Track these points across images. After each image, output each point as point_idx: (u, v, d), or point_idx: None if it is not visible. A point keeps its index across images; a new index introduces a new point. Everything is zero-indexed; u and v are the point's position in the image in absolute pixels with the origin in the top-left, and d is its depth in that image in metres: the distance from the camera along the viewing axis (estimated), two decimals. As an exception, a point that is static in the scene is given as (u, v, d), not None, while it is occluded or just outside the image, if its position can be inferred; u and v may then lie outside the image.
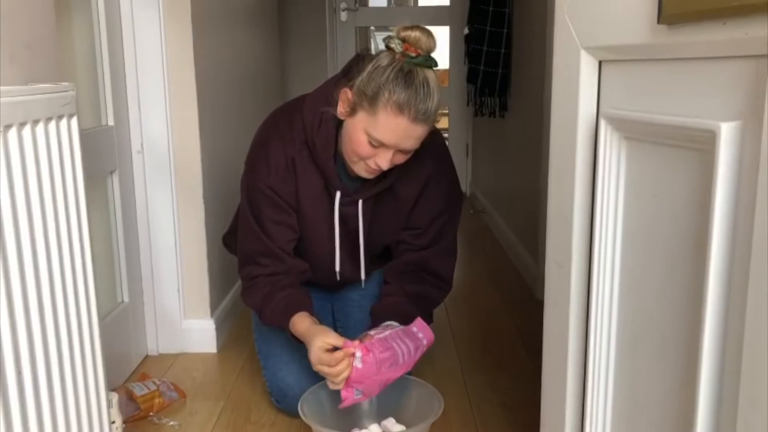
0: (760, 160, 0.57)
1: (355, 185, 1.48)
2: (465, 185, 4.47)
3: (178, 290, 1.96)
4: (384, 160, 1.32)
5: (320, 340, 1.32)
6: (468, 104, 3.49)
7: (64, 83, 1.07)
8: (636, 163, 0.78)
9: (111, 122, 1.74)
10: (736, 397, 0.60)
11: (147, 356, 1.97)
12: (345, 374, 1.30)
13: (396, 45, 1.27)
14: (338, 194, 1.46)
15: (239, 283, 2.33)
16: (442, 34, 4.55)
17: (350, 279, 1.62)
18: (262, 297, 1.49)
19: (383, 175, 1.42)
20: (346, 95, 1.33)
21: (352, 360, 1.30)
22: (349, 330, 1.62)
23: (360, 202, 1.48)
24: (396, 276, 1.58)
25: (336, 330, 1.63)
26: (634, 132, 0.77)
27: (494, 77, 3.11)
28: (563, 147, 0.90)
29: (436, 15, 4.53)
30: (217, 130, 2.10)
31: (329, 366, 1.30)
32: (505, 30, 3.04)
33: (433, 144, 1.44)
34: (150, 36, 1.81)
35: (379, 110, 1.27)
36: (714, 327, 0.64)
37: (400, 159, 1.35)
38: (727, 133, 0.61)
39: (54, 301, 1.00)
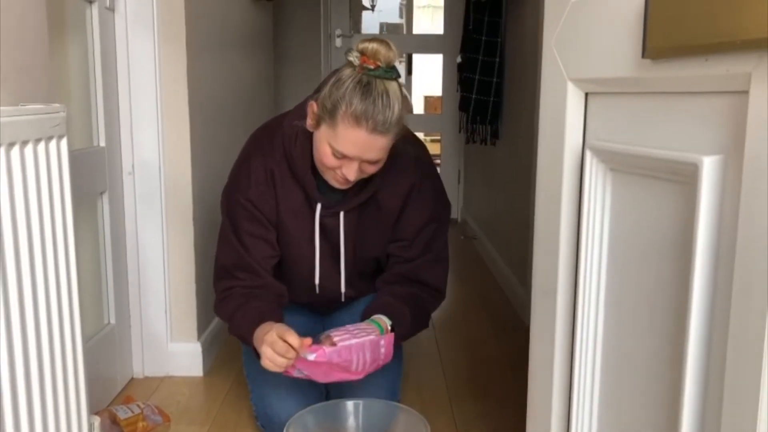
0: (741, 194, 0.57)
1: (337, 198, 1.47)
2: (456, 211, 4.48)
3: (166, 312, 1.95)
4: (350, 171, 1.32)
5: (283, 331, 1.30)
6: (460, 131, 3.52)
7: (54, 104, 1.07)
8: (621, 194, 0.79)
9: (102, 143, 1.75)
10: (719, 424, 0.60)
11: (132, 379, 1.95)
12: (284, 365, 1.29)
13: (354, 58, 1.28)
14: (319, 206, 1.46)
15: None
16: (435, 62, 4.60)
17: (332, 293, 1.59)
18: (235, 306, 1.46)
19: (363, 185, 1.43)
20: (312, 108, 1.35)
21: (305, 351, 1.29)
22: None
23: (341, 214, 1.47)
24: (387, 286, 1.56)
25: None
26: (619, 164, 0.78)
27: (486, 105, 3.14)
28: (550, 177, 0.91)
29: (430, 43, 4.58)
30: (209, 153, 2.10)
31: (278, 353, 1.28)
32: (497, 59, 3.07)
33: (415, 155, 1.47)
34: (144, 58, 1.82)
35: (338, 122, 1.28)
36: (697, 355, 0.64)
37: (371, 169, 1.35)
38: (709, 166, 0.62)
39: (37, 323, 0.99)
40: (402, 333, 1.49)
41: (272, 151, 1.45)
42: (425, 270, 1.55)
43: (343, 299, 1.61)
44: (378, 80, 1.27)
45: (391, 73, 1.28)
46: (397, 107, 1.27)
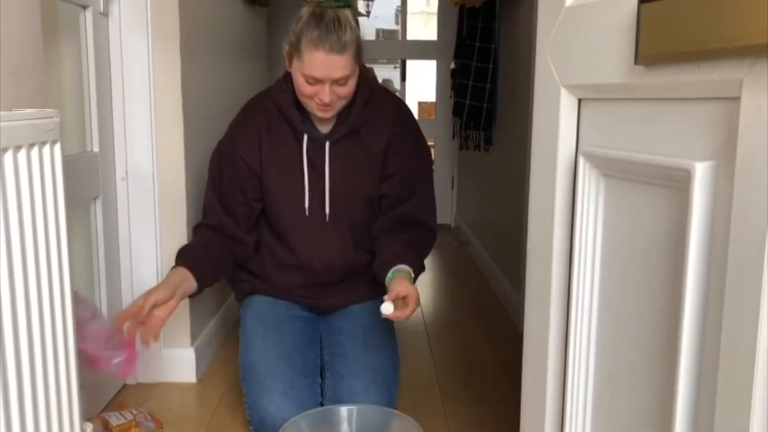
0: (733, 199, 0.58)
1: (323, 134, 1.63)
2: (450, 217, 4.49)
3: (159, 318, 1.94)
4: (324, 94, 1.50)
5: (154, 290, 1.46)
6: (453, 137, 3.52)
7: (48, 109, 1.07)
8: (614, 199, 0.79)
9: (96, 148, 1.74)
10: (712, 429, 0.60)
11: (125, 385, 1.94)
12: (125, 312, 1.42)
13: None
14: (305, 138, 1.61)
15: (221, 311, 2.32)
16: (429, 68, 4.61)
17: (320, 230, 1.66)
18: (189, 242, 1.69)
19: (344, 119, 1.61)
20: (285, 50, 1.56)
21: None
22: (338, 358, 1.62)
23: (327, 144, 1.61)
24: (384, 231, 1.66)
25: (323, 357, 1.66)
26: (611, 169, 0.79)
27: (480, 111, 3.14)
28: (543, 183, 0.91)
29: (424, 49, 4.59)
30: (203, 158, 2.10)
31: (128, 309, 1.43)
32: (491, 65, 3.08)
33: (395, 107, 1.68)
34: (138, 63, 1.82)
35: (303, 52, 1.48)
36: (690, 360, 0.65)
37: (342, 91, 1.52)
38: (701, 172, 0.62)
39: (30, 328, 0.99)
40: (416, 276, 1.59)
41: (262, 105, 1.67)
42: (418, 211, 1.68)
43: (327, 219, 1.65)
44: (329, 9, 1.47)
45: (340, 1, 1.49)
46: (348, 29, 1.47)
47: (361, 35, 1.52)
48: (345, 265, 1.69)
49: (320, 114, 1.57)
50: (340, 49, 1.46)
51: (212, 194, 1.68)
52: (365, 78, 1.62)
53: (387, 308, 1.43)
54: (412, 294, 1.44)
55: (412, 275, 1.55)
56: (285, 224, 1.67)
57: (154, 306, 1.43)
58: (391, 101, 1.70)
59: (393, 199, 1.67)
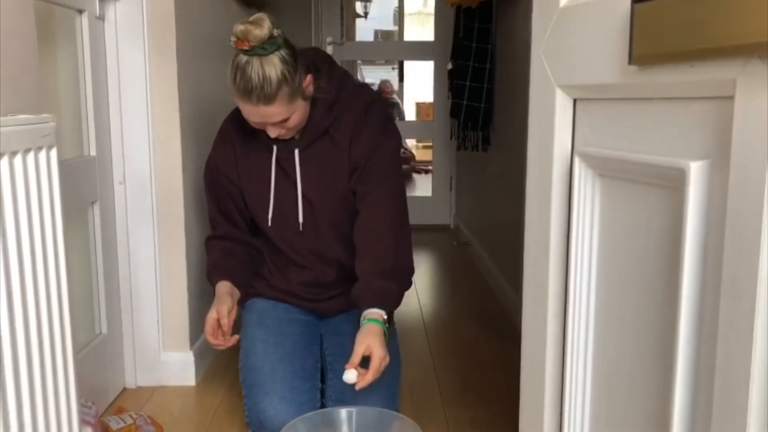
0: (728, 198, 0.58)
1: (293, 142, 1.62)
2: (448, 218, 4.49)
3: (158, 322, 1.94)
4: (271, 131, 1.51)
5: (218, 307, 1.56)
6: (451, 138, 3.52)
7: (44, 115, 1.07)
8: (610, 199, 0.79)
9: (93, 153, 1.74)
10: (709, 429, 0.60)
11: (124, 389, 1.94)
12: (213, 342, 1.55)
13: (232, 42, 1.42)
14: (275, 148, 1.62)
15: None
16: (426, 69, 4.62)
17: (292, 228, 1.66)
18: (212, 260, 1.71)
19: (311, 125, 1.59)
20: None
21: None
22: (341, 359, 1.62)
23: (296, 151, 1.62)
24: (361, 238, 1.60)
25: (325, 358, 1.66)
26: (607, 169, 0.79)
27: (477, 112, 3.14)
28: (539, 183, 0.91)
29: (421, 50, 4.59)
30: (200, 161, 2.10)
31: (208, 331, 1.55)
32: (488, 66, 3.08)
33: (367, 101, 1.64)
34: (134, 67, 1.82)
35: (236, 99, 1.48)
36: (687, 359, 0.65)
37: (289, 124, 1.51)
38: (696, 171, 0.62)
39: (28, 333, 0.99)
40: (396, 305, 1.59)
41: (236, 117, 1.64)
42: (386, 205, 1.61)
43: (300, 228, 1.65)
44: (254, 59, 1.41)
45: (265, 49, 1.41)
46: (275, 78, 1.41)
47: (295, 71, 1.45)
48: (337, 265, 1.69)
49: (277, 138, 1.56)
50: (267, 100, 1.43)
51: (212, 207, 1.73)
52: (330, 85, 1.58)
53: (349, 377, 1.40)
54: (376, 355, 1.41)
55: (384, 320, 1.50)
56: (268, 229, 1.68)
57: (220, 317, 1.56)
58: (362, 98, 1.65)
59: (360, 192, 1.62)
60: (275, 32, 1.42)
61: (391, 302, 1.55)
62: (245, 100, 1.45)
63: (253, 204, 1.68)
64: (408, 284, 1.64)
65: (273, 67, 1.42)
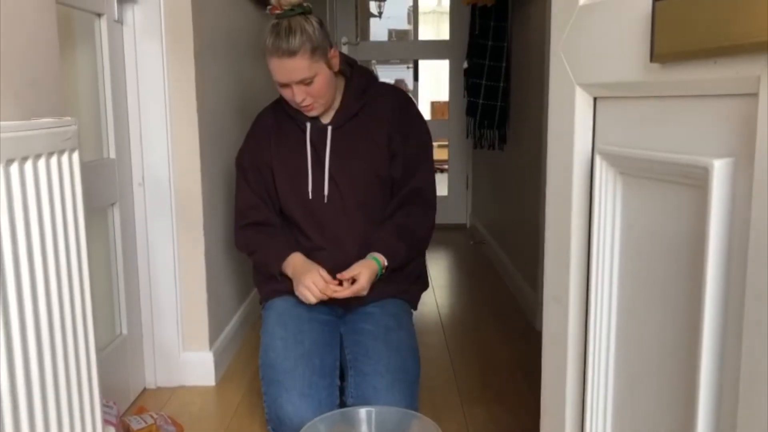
0: (752, 196, 0.57)
1: (326, 123, 1.74)
2: (465, 216, 4.48)
3: (177, 322, 1.96)
4: (295, 94, 1.63)
5: (316, 271, 1.65)
6: (467, 137, 3.51)
7: (66, 118, 1.08)
8: (631, 198, 0.79)
9: (112, 155, 1.76)
10: (734, 429, 0.60)
11: (145, 389, 1.95)
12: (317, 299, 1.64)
13: (267, 10, 1.61)
14: (308, 126, 1.73)
15: (239, 314, 2.33)
16: (442, 68, 4.60)
17: (321, 203, 1.74)
18: (257, 242, 1.77)
19: (343, 106, 1.73)
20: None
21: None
22: (361, 358, 1.62)
23: (329, 129, 1.72)
24: (389, 212, 1.76)
25: (345, 358, 1.69)
26: (628, 168, 0.78)
27: (493, 110, 3.13)
28: (559, 182, 0.91)
29: (436, 49, 4.58)
30: (219, 163, 2.11)
31: (320, 290, 1.63)
32: (503, 64, 3.07)
33: (395, 94, 1.80)
34: (152, 69, 1.83)
35: (267, 60, 1.61)
36: (711, 359, 0.64)
37: (312, 90, 1.63)
38: (719, 169, 0.62)
39: (52, 334, 1.00)
40: (397, 264, 1.71)
41: (271, 109, 1.81)
42: (420, 187, 1.76)
43: (325, 201, 1.73)
44: (284, 20, 1.58)
45: (293, 11, 1.59)
46: (298, 33, 1.57)
47: (322, 36, 1.61)
48: (359, 245, 1.71)
49: (307, 113, 1.70)
50: (290, 53, 1.57)
51: (248, 195, 1.79)
52: (361, 73, 1.76)
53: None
54: (359, 282, 1.62)
55: (383, 263, 1.67)
56: (292, 207, 1.75)
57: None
58: (392, 91, 1.82)
59: (398, 178, 1.76)
60: (305, 4, 1.62)
61: (395, 259, 1.70)
62: (272, 55, 1.58)
63: (283, 178, 1.74)
64: (416, 254, 1.79)
65: (298, 24, 1.58)
